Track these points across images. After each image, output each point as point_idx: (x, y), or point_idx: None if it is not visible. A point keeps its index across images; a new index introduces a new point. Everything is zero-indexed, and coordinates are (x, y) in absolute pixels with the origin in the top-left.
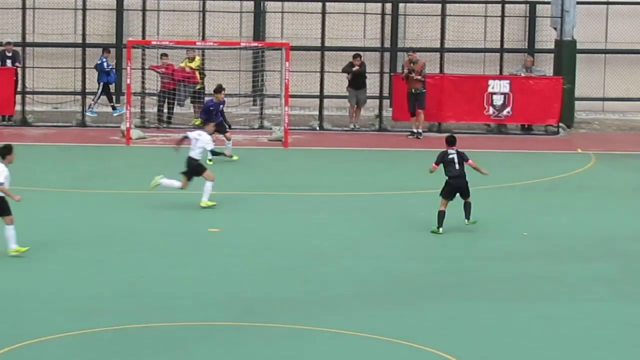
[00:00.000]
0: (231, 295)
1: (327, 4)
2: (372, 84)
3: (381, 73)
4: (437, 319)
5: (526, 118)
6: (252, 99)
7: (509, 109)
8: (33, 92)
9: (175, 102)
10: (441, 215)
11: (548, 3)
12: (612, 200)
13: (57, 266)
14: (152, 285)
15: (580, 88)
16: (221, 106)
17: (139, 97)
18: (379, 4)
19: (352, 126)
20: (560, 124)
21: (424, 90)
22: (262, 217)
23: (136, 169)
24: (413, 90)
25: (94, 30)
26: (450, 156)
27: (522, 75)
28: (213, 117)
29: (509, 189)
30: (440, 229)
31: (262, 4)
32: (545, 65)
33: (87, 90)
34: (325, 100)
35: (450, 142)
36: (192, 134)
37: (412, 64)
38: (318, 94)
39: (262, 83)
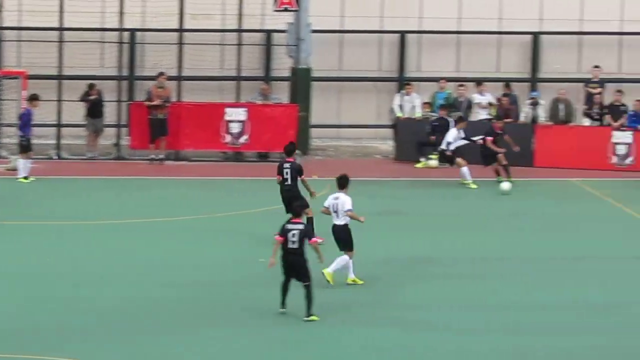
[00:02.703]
0: None
1: (65, 32)
2: (110, 112)
3: (119, 101)
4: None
5: (263, 145)
6: None
7: (246, 136)
8: None
9: None
10: None
11: (284, 32)
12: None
13: None
14: None
15: (316, 115)
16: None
17: None
18: (117, 33)
19: (90, 155)
20: (296, 151)
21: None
22: (12, 247)
23: None
24: (160, 115)
25: None
26: None
27: (259, 102)
28: None
29: (247, 215)
30: None
31: None
32: (282, 93)
33: None
34: (63, 129)
35: None
36: None
37: (159, 89)
38: (56, 122)
39: None
